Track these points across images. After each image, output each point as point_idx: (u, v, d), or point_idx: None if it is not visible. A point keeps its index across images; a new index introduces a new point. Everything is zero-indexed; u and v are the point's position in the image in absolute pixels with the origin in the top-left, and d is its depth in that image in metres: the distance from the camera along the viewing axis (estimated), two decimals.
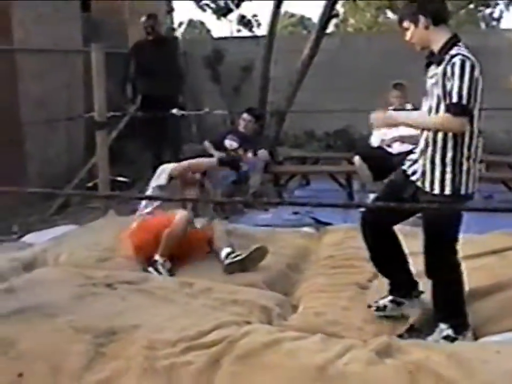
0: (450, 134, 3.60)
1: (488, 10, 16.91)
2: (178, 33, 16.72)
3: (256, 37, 13.77)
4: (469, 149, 3.64)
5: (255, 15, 16.80)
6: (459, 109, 3.48)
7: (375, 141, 7.65)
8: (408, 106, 7.65)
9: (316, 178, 9.41)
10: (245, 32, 17.19)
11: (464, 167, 3.64)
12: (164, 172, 5.39)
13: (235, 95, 11.67)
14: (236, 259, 4.96)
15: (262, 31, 16.86)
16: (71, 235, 5.97)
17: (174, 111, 7.88)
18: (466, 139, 3.62)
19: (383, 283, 4.51)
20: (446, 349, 3.31)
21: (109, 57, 7.15)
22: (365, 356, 3.18)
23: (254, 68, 11.52)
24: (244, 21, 16.77)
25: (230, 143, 8.11)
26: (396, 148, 7.45)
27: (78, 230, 6.21)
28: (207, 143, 8.29)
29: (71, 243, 5.58)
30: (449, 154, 3.63)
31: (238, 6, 15.73)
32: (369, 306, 4.08)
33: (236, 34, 17.78)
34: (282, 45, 10.82)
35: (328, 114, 10.04)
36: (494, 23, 16.91)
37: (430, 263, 3.78)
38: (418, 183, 3.77)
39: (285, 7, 9.91)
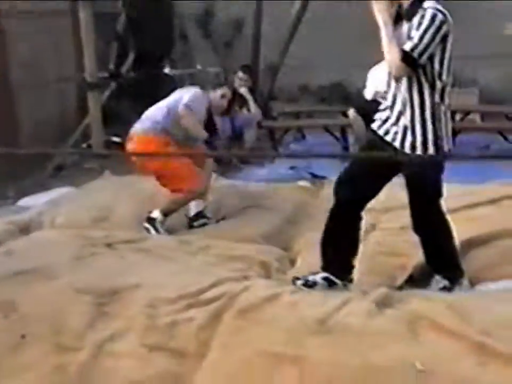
0: (426, 93, 3.52)
1: None
2: None
3: None
4: (443, 103, 3.57)
5: None
6: (407, 59, 3.42)
7: (369, 93, 7.60)
8: None
9: (311, 132, 9.38)
10: None
11: (443, 122, 3.58)
12: (179, 102, 5.20)
13: (227, 51, 11.56)
14: (199, 223, 5.23)
15: None
16: (67, 197, 5.96)
17: (167, 70, 7.78)
18: (439, 94, 3.55)
19: (379, 235, 4.55)
20: (445, 299, 3.34)
21: (97, 17, 7.06)
22: (365, 307, 3.20)
23: (245, 23, 11.38)
24: None
25: None
26: None
27: (74, 192, 6.20)
28: None
29: (67, 205, 5.57)
30: (428, 113, 3.55)
31: None
32: (297, 278, 3.77)
33: None
34: None
35: (322, 68, 9.96)
36: None
37: (416, 219, 3.75)
38: (396, 144, 3.63)
39: None
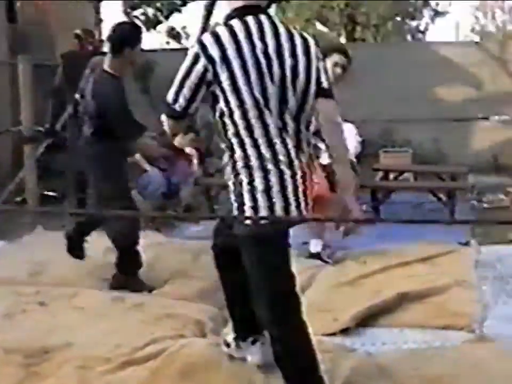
0: (238, 149, 2.77)
1: (414, 23, 17.30)
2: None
3: (185, 49, 13.74)
4: (259, 150, 2.72)
5: (184, 27, 16.67)
6: (165, 110, 2.84)
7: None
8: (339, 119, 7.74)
9: None
10: (174, 44, 17.08)
11: (274, 185, 2.67)
12: None
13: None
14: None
15: (191, 43, 16.77)
16: (1, 251, 5.84)
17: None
18: (248, 139, 2.74)
19: (322, 284, 4.60)
20: (376, 360, 3.38)
21: (36, 70, 7.01)
22: None
23: None
24: (173, 33, 16.63)
25: None
26: None
27: (6, 246, 6.08)
28: (138, 156, 8.22)
29: (1, 260, 5.46)
30: (228, 169, 2.83)
31: (167, 17, 15.70)
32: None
33: (164, 46, 17.67)
34: None
35: None
36: (420, 35, 17.27)
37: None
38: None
39: (214, 19, 9.90)
